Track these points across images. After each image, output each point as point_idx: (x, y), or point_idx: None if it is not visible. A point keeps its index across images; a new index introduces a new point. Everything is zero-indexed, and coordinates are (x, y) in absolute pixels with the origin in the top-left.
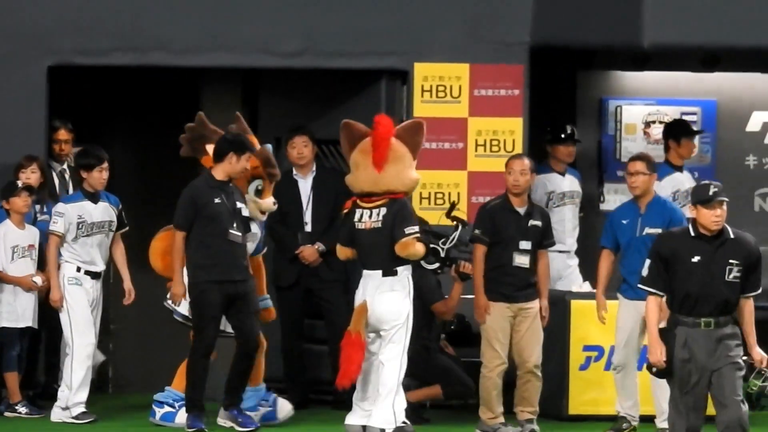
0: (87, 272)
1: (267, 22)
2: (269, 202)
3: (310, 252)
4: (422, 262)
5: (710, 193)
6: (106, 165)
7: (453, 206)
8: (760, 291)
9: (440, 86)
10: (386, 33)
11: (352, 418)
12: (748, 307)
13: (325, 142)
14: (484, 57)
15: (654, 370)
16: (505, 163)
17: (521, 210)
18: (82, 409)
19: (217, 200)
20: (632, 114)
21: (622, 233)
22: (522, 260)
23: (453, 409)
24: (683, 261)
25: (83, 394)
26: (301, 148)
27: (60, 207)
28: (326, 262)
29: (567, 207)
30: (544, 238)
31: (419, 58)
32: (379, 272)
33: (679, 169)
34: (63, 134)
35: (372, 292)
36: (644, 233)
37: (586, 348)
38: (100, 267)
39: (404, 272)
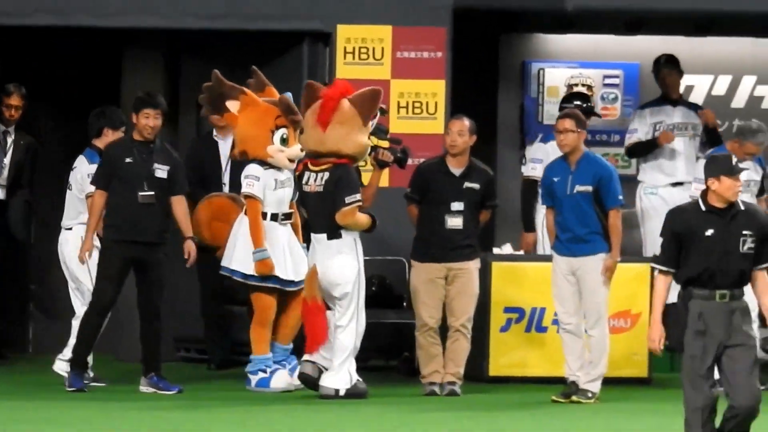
0: None
1: None
2: (296, 149)
3: None
4: None
5: (734, 162)
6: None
7: None
8: None
9: (363, 48)
10: None
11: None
12: (762, 279)
13: None
14: (407, 19)
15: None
16: (446, 123)
17: (457, 171)
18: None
19: (128, 160)
20: (555, 77)
21: (554, 191)
22: (454, 222)
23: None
24: (697, 236)
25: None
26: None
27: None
28: None
29: None
30: (485, 199)
31: (342, 20)
32: (324, 236)
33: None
34: (15, 99)
35: (321, 257)
36: (575, 191)
37: (507, 310)
38: None
39: (350, 234)
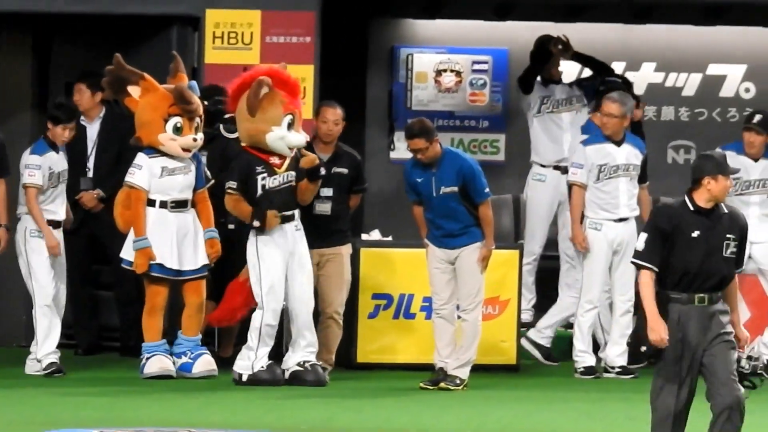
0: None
1: None
2: (188, 138)
3: (88, 197)
4: (223, 131)
5: (728, 162)
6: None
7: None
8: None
9: (232, 33)
10: None
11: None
12: (734, 283)
13: None
14: (276, 3)
15: (643, 349)
16: (316, 110)
17: (324, 156)
18: (50, 359)
19: None
20: (423, 62)
21: (419, 191)
22: (322, 207)
23: None
24: (683, 236)
25: (49, 345)
26: (83, 94)
27: (35, 159)
28: (108, 208)
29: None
30: (353, 184)
31: (210, 5)
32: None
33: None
34: None
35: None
36: (441, 193)
37: (375, 296)
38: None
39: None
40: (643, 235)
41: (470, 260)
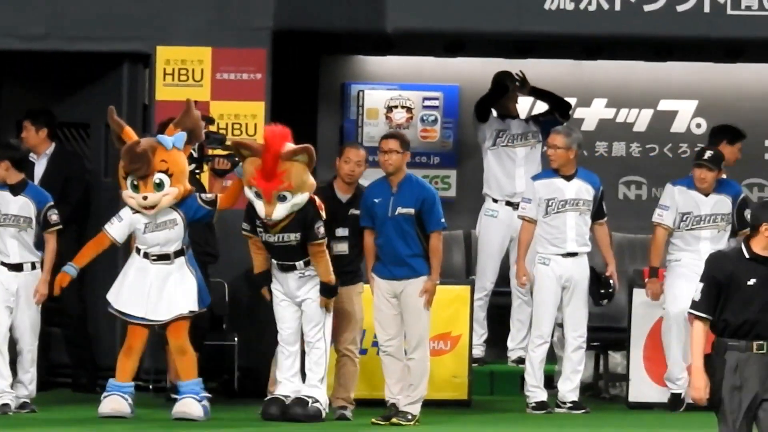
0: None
1: (10, 5)
2: (138, 198)
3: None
4: None
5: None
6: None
7: (191, 105)
8: None
9: (182, 69)
10: (129, 17)
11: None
12: None
13: (68, 125)
14: (227, 41)
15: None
16: (340, 150)
17: (344, 197)
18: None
19: None
20: (374, 98)
21: (375, 212)
22: (340, 248)
23: None
24: (739, 285)
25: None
26: (29, 131)
27: None
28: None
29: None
30: None
31: (162, 42)
32: None
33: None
34: None
35: None
36: (397, 213)
37: None
38: (13, 259)
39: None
40: (699, 285)
41: (415, 297)
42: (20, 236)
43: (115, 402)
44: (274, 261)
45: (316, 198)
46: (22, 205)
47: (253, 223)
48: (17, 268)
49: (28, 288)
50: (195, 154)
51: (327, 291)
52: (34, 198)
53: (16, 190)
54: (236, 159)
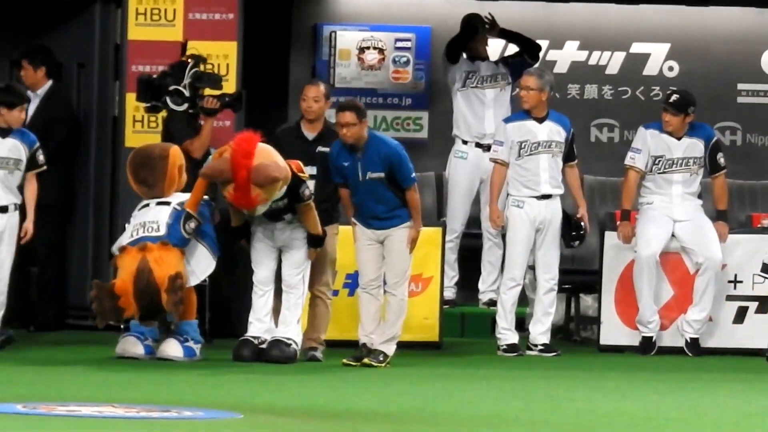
0: None
1: None
2: None
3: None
4: (169, 103)
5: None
6: (25, 105)
7: (185, 46)
8: None
9: (155, 9)
10: None
11: None
12: None
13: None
14: None
15: None
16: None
17: (310, 135)
18: None
19: None
20: (346, 39)
21: (346, 174)
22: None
23: None
24: None
25: None
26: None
27: None
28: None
29: None
30: None
31: None
32: None
33: None
34: None
35: None
36: (367, 178)
37: None
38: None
39: None
40: None
41: (399, 240)
42: (6, 178)
43: (128, 343)
44: None
45: (295, 163)
46: (11, 147)
47: None
48: (3, 210)
49: (12, 228)
50: (187, 93)
51: (314, 242)
52: (23, 140)
53: (4, 132)
54: (226, 99)
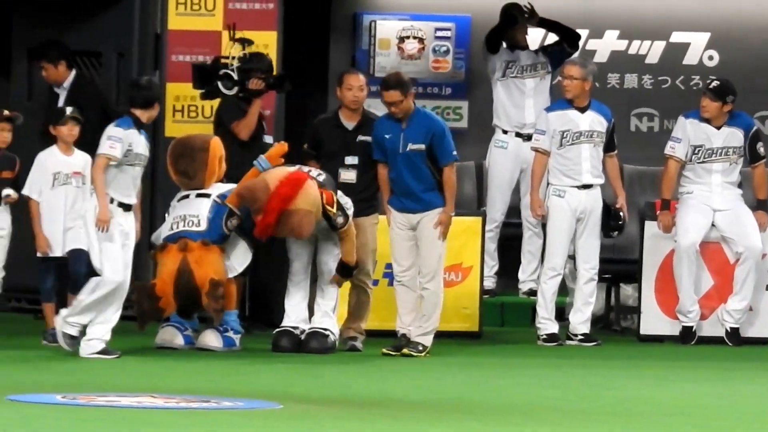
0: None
1: None
2: None
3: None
4: (221, 87)
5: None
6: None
7: (232, 28)
8: None
9: None
10: None
11: None
12: None
13: (80, 54)
14: None
15: None
16: (339, 78)
17: (350, 125)
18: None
19: None
20: (386, 29)
21: (386, 147)
22: (348, 176)
23: None
24: None
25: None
26: (48, 70)
27: (118, 132)
28: None
29: None
30: None
31: None
32: None
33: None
34: None
35: None
36: (408, 149)
37: None
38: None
39: None
40: None
41: (430, 229)
42: (138, 176)
43: (167, 333)
44: None
45: (324, 193)
46: (146, 145)
47: None
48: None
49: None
50: (235, 77)
51: (344, 270)
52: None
53: (141, 127)
54: (270, 80)
